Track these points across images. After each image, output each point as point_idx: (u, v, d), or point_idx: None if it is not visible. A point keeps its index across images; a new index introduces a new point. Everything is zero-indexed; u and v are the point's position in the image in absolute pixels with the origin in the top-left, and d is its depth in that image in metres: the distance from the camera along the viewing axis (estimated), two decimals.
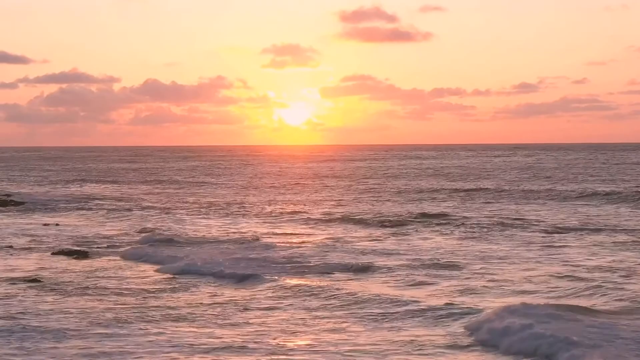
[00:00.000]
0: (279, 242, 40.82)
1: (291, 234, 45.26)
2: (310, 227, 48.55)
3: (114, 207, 63.69)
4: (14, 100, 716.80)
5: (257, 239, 42.10)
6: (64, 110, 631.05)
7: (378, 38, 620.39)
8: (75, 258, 35.53)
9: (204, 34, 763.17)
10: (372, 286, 28.21)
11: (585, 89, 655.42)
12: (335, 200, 69.68)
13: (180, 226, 49.34)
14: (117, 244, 40.98)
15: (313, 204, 65.82)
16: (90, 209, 62.39)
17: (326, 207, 61.69)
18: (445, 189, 79.48)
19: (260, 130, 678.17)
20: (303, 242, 41.05)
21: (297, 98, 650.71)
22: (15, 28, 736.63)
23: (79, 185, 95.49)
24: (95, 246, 39.90)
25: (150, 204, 66.50)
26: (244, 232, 45.70)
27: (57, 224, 50.77)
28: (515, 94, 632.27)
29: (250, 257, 35.16)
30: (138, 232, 45.98)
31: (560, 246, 37.74)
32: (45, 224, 50.85)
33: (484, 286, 27.84)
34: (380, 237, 43.11)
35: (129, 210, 61.03)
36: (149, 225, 49.61)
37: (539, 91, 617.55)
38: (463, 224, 48.18)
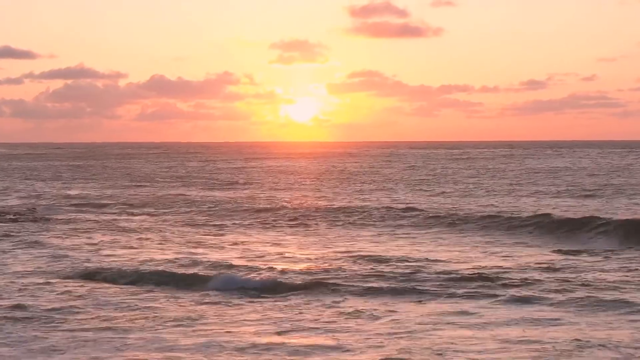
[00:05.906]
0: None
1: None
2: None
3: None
4: (19, 95, 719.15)
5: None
6: (70, 106, 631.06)
7: (387, 33, 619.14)
8: None
9: (211, 28, 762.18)
10: None
11: (595, 85, 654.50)
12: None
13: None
14: None
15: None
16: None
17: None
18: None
19: (266, 126, 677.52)
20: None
21: (304, 94, 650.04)
22: (20, 22, 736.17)
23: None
24: None
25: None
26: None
27: None
28: (523, 90, 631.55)
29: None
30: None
31: None
32: None
33: None
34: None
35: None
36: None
37: (547, 88, 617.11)
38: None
